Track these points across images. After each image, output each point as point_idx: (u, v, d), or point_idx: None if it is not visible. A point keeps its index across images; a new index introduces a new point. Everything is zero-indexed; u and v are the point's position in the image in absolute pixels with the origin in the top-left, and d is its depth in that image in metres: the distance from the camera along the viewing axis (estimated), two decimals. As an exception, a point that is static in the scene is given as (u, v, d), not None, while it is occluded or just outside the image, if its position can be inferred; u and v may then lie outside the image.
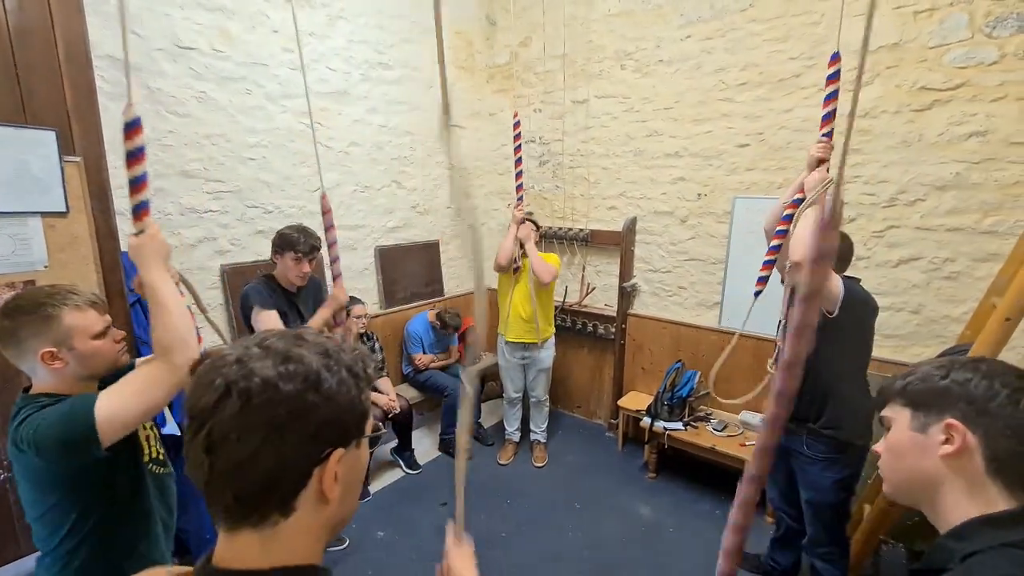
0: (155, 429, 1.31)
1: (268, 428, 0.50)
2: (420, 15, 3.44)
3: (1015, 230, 2.20)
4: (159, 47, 2.32)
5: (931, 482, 0.70)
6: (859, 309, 1.76)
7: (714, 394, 2.46)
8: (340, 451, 0.55)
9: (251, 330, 2.11)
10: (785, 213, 1.80)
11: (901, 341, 2.56)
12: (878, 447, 0.78)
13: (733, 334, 3.07)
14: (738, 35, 2.81)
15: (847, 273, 1.85)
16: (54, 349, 1.05)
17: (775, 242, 1.81)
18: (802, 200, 1.72)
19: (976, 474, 0.65)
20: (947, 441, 0.67)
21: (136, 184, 1.06)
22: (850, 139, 0.67)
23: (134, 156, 1.06)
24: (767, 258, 1.86)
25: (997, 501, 0.64)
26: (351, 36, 3.08)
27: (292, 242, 2.07)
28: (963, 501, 0.66)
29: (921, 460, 0.70)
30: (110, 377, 1.15)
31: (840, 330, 1.66)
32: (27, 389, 1.11)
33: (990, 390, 0.66)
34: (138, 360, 1.36)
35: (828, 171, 1.71)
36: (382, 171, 3.41)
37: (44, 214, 1.58)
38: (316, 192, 3.01)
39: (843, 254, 1.81)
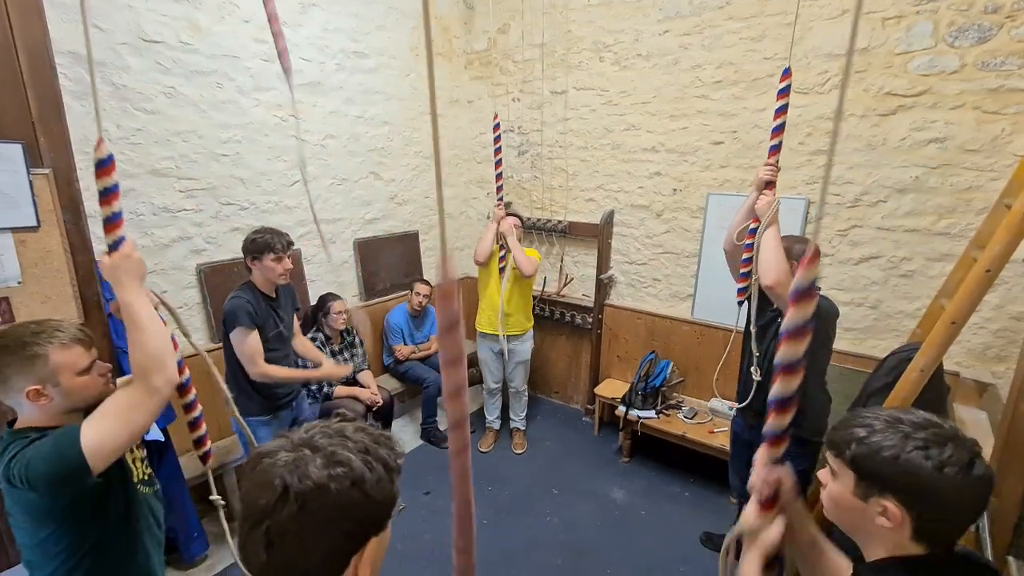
0: (141, 450, 1.34)
1: (319, 526, 0.57)
2: (396, 0, 3.35)
3: (966, 232, 2.34)
4: (123, 41, 2.23)
5: (864, 533, 0.81)
6: (830, 323, 1.88)
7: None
8: (375, 539, 0.62)
9: (229, 343, 2.15)
10: (749, 229, 1.88)
11: (860, 334, 2.71)
12: (823, 480, 0.87)
13: (705, 325, 3.20)
14: (715, 32, 2.83)
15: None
16: (39, 387, 1.06)
17: (746, 255, 1.90)
18: (757, 227, 1.80)
19: (902, 539, 0.75)
20: (884, 514, 0.75)
21: (111, 222, 1.07)
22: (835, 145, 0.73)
23: (108, 193, 1.05)
24: (743, 270, 1.96)
25: (911, 548, 0.75)
26: (326, 24, 2.99)
27: (269, 244, 2.13)
28: (885, 552, 0.77)
29: (858, 519, 0.79)
30: (95, 405, 1.17)
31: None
32: (12, 422, 1.12)
33: (937, 470, 0.69)
34: (119, 380, 1.36)
35: (775, 193, 1.77)
36: (359, 163, 3.36)
37: (14, 230, 1.55)
38: (293, 186, 2.98)
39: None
